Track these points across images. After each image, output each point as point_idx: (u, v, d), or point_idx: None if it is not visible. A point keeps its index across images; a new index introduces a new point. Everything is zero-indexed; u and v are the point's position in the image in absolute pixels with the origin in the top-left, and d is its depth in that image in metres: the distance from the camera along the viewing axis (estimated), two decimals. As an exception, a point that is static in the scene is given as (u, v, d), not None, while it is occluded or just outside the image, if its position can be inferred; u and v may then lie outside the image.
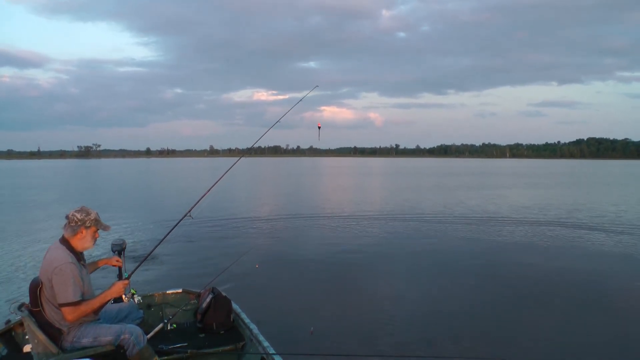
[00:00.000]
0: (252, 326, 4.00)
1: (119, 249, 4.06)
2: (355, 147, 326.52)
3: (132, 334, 3.28)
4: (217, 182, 5.29)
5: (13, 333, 3.78)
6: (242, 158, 6.64)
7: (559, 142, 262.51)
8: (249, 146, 6.35)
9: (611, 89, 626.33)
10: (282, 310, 6.10)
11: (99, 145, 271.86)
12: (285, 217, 15.55)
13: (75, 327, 3.25)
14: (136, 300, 4.20)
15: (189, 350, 3.72)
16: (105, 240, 7.63)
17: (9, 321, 3.84)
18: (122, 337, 3.26)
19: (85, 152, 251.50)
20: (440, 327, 5.59)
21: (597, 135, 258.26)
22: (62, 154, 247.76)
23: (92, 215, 3.35)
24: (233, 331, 4.17)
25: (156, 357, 3.40)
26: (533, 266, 8.66)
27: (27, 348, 3.58)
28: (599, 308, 6.34)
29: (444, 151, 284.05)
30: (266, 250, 10.02)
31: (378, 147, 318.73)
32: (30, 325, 3.15)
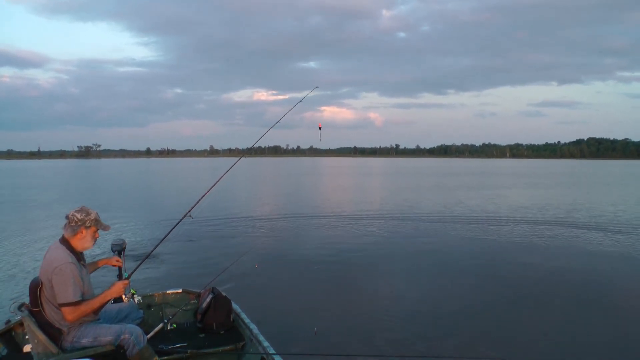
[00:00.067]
0: (252, 326, 4.00)
1: (119, 249, 4.06)
2: (355, 147, 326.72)
3: (132, 334, 3.28)
4: (217, 182, 5.29)
5: (13, 333, 3.78)
6: (242, 158, 6.64)
7: (559, 142, 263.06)
8: (249, 146, 6.37)
9: (611, 89, 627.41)
10: (282, 310, 6.10)
11: (99, 145, 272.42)
12: (285, 217, 15.55)
13: (75, 327, 3.25)
14: (136, 300, 4.20)
15: (189, 350, 3.72)
16: (105, 240, 7.64)
17: (9, 321, 3.84)
18: (122, 337, 3.26)
19: (86, 152, 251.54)
20: (440, 327, 5.59)
21: (597, 135, 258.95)
22: (62, 154, 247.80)
23: (92, 215, 3.35)
24: (233, 331, 4.17)
25: (156, 357, 3.41)
26: (533, 266, 8.66)
27: (27, 348, 3.58)
28: (598, 308, 6.34)
29: (444, 151, 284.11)
30: (266, 250, 10.02)
31: (378, 147, 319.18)
32: (30, 325, 3.15)
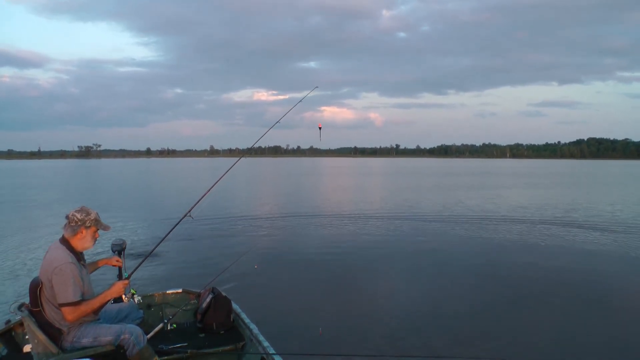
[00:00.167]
0: (252, 326, 4.00)
1: (119, 249, 4.06)
2: (355, 147, 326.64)
3: (132, 334, 3.28)
4: (217, 182, 5.28)
5: (13, 333, 3.78)
6: (242, 158, 6.63)
7: (559, 142, 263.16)
8: (249, 146, 6.35)
9: (611, 89, 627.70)
10: (282, 310, 6.10)
11: (99, 145, 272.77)
12: (285, 216, 15.55)
13: (75, 327, 3.25)
14: (136, 300, 4.20)
15: (189, 350, 3.72)
16: (106, 240, 7.64)
17: (9, 321, 3.84)
18: (122, 337, 3.26)
19: (86, 152, 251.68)
20: (440, 327, 5.58)
21: (597, 136, 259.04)
22: (62, 154, 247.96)
23: (92, 215, 3.35)
24: (233, 331, 4.17)
25: (156, 357, 3.41)
26: (532, 266, 8.66)
27: (27, 348, 3.58)
28: (598, 307, 6.35)
29: (444, 151, 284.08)
30: (266, 250, 10.02)
31: (378, 147, 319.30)
32: (30, 325, 3.15)
